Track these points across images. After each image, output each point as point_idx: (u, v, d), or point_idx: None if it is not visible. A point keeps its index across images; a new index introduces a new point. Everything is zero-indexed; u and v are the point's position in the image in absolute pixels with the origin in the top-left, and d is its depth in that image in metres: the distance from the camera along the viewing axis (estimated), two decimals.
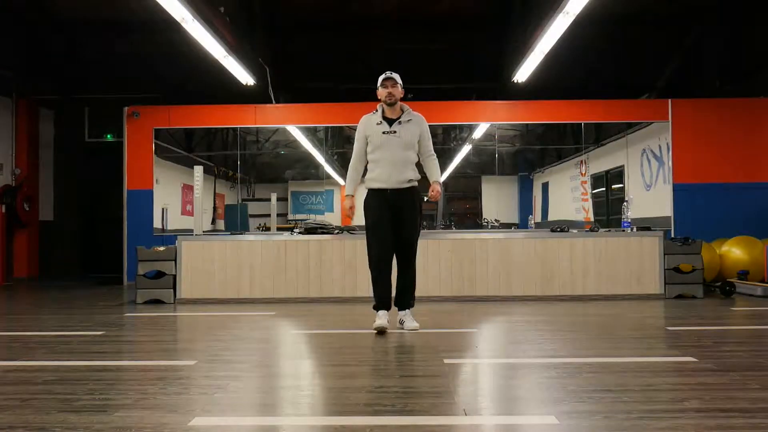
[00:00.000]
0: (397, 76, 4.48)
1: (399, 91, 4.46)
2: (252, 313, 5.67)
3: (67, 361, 3.46)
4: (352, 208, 4.57)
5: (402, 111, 4.52)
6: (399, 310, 4.55)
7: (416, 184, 4.53)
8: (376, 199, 4.46)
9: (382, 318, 4.36)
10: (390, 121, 4.47)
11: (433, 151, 4.65)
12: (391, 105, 4.47)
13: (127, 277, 8.82)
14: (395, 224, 4.43)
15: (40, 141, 10.64)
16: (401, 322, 4.51)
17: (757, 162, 8.92)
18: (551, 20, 6.63)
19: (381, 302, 4.44)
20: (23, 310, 6.31)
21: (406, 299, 4.55)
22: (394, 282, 4.57)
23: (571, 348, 3.84)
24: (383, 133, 4.44)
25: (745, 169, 8.90)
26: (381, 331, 4.29)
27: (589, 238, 6.54)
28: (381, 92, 4.47)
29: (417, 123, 4.52)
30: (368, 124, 4.53)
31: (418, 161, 4.60)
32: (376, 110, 4.55)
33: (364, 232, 4.54)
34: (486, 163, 10.49)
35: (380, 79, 4.47)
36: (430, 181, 4.61)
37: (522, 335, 4.39)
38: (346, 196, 4.61)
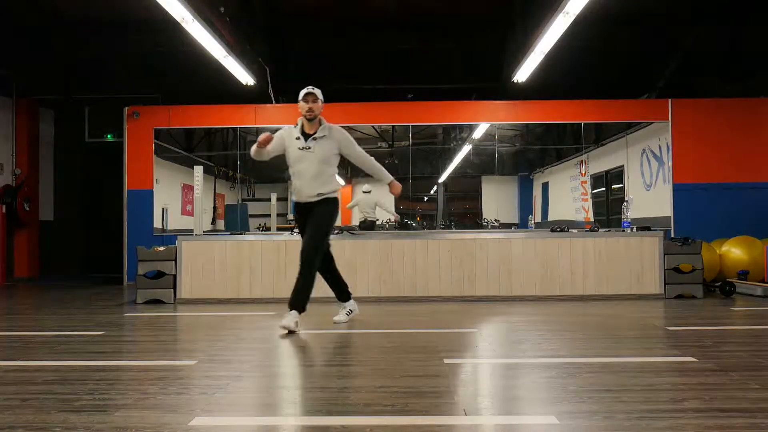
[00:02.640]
0: (318, 92, 4.56)
1: (319, 107, 4.57)
2: (252, 313, 5.67)
3: (67, 361, 3.46)
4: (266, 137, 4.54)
5: (320, 124, 4.63)
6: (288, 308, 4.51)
7: (331, 195, 4.64)
8: (296, 211, 4.76)
9: (288, 318, 4.37)
10: (306, 137, 4.59)
11: (363, 154, 4.77)
12: (310, 120, 4.57)
13: (127, 277, 8.83)
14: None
15: (40, 141, 10.64)
16: (296, 324, 4.43)
17: (757, 162, 8.93)
18: (551, 20, 6.63)
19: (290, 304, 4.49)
20: (23, 310, 6.31)
21: (294, 298, 4.48)
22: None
23: (571, 348, 3.84)
24: (299, 148, 4.58)
25: (745, 169, 8.91)
26: (289, 332, 4.31)
27: (589, 238, 6.54)
28: (302, 106, 4.55)
29: (332, 138, 4.62)
30: (287, 137, 4.66)
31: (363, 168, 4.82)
32: (297, 124, 4.67)
33: (327, 233, 4.69)
34: (486, 163, 10.50)
35: (302, 93, 4.56)
36: (386, 182, 4.83)
37: (522, 335, 4.39)
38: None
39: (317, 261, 4.53)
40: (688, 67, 9.74)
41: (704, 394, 2.62)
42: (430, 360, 3.43)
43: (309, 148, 4.56)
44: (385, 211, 10.53)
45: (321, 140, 4.60)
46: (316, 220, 4.55)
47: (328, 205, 4.63)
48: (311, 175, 4.57)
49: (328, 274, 4.84)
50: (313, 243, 4.50)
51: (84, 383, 2.93)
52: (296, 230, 4.82)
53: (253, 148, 4.59)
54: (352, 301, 5.01)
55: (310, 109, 4.53)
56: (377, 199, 10.42)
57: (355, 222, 10.41)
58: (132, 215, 9.09)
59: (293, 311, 4.43)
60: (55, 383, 2.93)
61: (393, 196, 9.40)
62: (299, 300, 4.47)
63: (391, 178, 4.85)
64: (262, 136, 4.49)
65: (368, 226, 10.01)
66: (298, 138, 4.60)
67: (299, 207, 4.70)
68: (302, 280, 4.49)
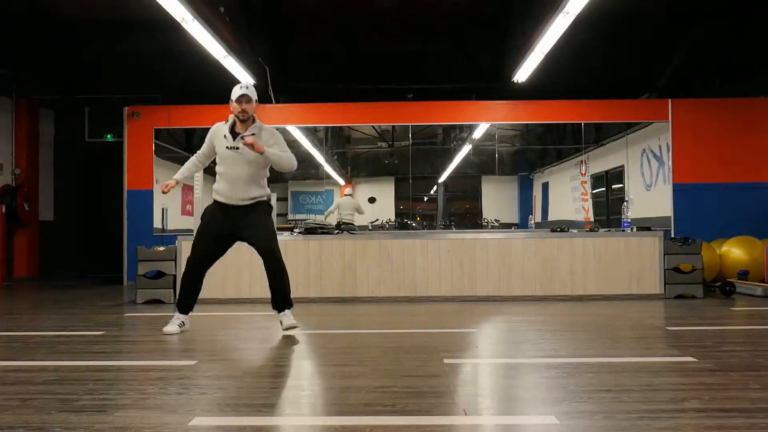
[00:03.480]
0: (253, 92, 4.29)
1: (252, 107, 4.29)
2: (252, 313, 5.67)
3: (67, 361, 3.46)
4: (168, 185, 4.48)
5: (252, 122, 4.35)
6: (277, 312, 4.42)
7: (265, 199, 4.43)
8: (216, 211, 4.38)
9: (173, 323, 4.37)
10: (235, 136, 4.31)
11: (286, 153, 4.40)
12: (243, 121, 4.31)
13: (127, 277, 8.82)
14: (246, 239, 4.34)
15: (40, 141, 10.64)
16: (281, 323, 4.39)
17: (757, 162, 8.92)
18: (551, 20, 6.63)
19: (182, 303, 4.46)
20: (23, 310, 6.31)
21: (277, 300, 4.41)
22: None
23: (571, 348, 3.84)
24: (227, 147, 4.31)
25: (745, 169, 8.90)
26: (172, 334, 4.31)
27: (589, 238, 6.54)
28: (234, 107, 4.27)
29: (262, 137, 4.31)
30: (216, 133, 4.41)
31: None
32: (228, 120, 4.39)
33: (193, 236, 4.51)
34: (486, 163, 10.50)
35: (236, 93, 4.25)
36: (285, 164, 4.39)
37: (522, 335, 4.39)
38: (174, 179, 4.55)
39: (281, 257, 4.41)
40: (688, 67, 9.75)
41: (704, 394, 2.62)
42: (430, 360, 3.43)
43: (237, 149, 4.27)
44: (358, 213, 10.49)
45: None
46: (260, 221, 4.33)
47: (262, 207, 4.40)
48: (242, 177, 4.29)
49: (200, 284, 4.54)
50: (274, 239, 4.36)
51: (84, 383, 2.93)
52: (199, 226, 4.44)
53: (164, 188, 4.49)
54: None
55: (243, 111, 4.25)
56: (357, 203, 10.43)
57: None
58: (132, 215, 9.08)
59: (287, 310, 4.37)
60: (55, 383, 2.93)
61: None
62: (282, 302, 4.40)
63: (271, 151, 4.29)
64: (164, 187, 4.44)
65: (346, 229, 10.03)
66: (225, 136, 4.32)
67: (224, 208, 4.34)
68: (283, 277, 4.38)
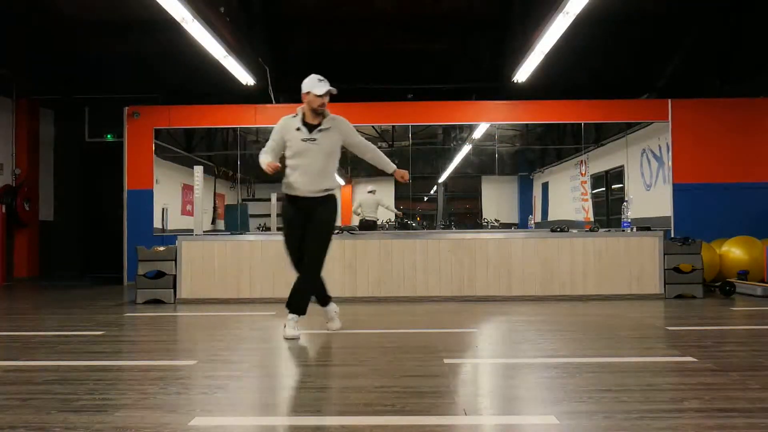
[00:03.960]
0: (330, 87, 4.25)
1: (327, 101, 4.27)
2: (252, 313, 5.67)
3: (67, 361, 3.46)
4: (271, 164, 4.18)
5: (323, 117, 4.30)
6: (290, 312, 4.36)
7: (333, 192, 4.39)
8: (291, 206, 4.35)
9: (291, 325, 4.25)
10: (310, 128, 4.27)
11: (368, 144, 4.49)
12: (318, 114, 4.27)
13: (127, 277, 8.82)
14: (305, 231, 4.30)
15: (40, 141, 10.64)
16: (284, 326, 4.33)
17: (757, 162, 8.93)
18: (551, 20, 6.63)
19: (291, 306, 4.33)
20: (23, 310, 6.31)
21: (294, 302, 4.33)
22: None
23: (571, 348, 3.84)
24: (302, 140, 4.25)
25: (745, 169, 8.91)
26: (292, 339, 4.19)
27: (589, 238, 6.54)
28: (314, 100, 4.21)
29: (337, 129, 4.32)
30: (287, 128, 4.32)
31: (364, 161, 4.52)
32: (296, 113, 4.34)
33: (331, 237, 4.41)
34: (486, 163, 10.50)
35: (317, 87, 4.19)
36: (389, 172, 4.49)
37: (522, 335, 4.39)
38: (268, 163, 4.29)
39: (322, 266, 4.37)
40: (688, 67, 9.75)
41: (704, 394, 2.62)
42: (430, 360, 3.43)
43: (314, 140, 4.24)
44: (388, 210, 10.53)
45: (326, 132, 4.28)
46: (323, 224, 4.30)
47: (331, 204, 4.38)
48: (317, 169, 4.26)
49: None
50: (322, 247, 4.31)
51: (84, 383, 2.93)
52: (283, 226, 4.40)
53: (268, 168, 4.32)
54: (333, 304, 4.68)
55: (324, 104, 4.23)
56: (380, 199, 10.43)
57: (355, 222, 10.41)
58: (132, 215, 9.09)
59: (294, 315, 4.29)
60: (55, 383, 2.94)
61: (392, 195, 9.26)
62: (303, 305, 4.33)
63: (394, 166, 4.51)
64: (270, 167, 4.18)
65: (369, 226, 10.02)
66: (298, 129, 4.27)
67: (296, 201, 4.32)
68: (307, 284, 4.33)
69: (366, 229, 9.20)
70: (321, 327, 4.88)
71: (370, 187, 10.64)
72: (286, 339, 4.21)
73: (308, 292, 4.39)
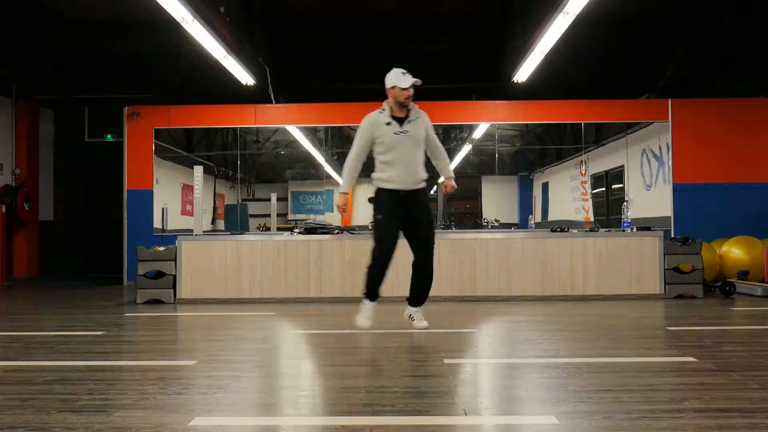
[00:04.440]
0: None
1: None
2: (252, 313, 5.67)
3: (67, 361, 3.46)
4: (345, 205, 4.53)
5: (409, 109, 4.38)
6: (410, 306, 4.51)
7: (426, 181, 4.43)
8: (390, 198, 4.33)
9: (368, 312, 4.38)
10: (399, 120, 4.33)
11: (439, 142, 4.57)
12: (405, 106, 4.34)
13: (127, 277, 8.82)
14: (410, 225, 4.35)
15: (40, 141, 10.64)
16: (411, 318, 4.47)
17: (757, 162, 8.92)
18: (551, 20, 6.63)
19: (374, 293, 4.43)
20: (23, 310, 6.31)
21: (422, 296, 4.49)
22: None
23: (571, 348, 3.84)
24: (395, 133, 4.30)
25: (745, 169, 8.90)
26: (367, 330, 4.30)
27: (589, 238, 6.54)
28: (400, 93, 4.30)
29: (423, 119, 4.41)
30: (376, 124, 4.35)
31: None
32: (383, 109, 4.38)
33: (373, 225, 4.41)
34: (486, 163, 10.49)
35: (403, 80, 4.28)
36: (443, 176, 4.54)
37: (522, 335, 4.39)
38: (340, 194, 4.50)
39: None
40: (688, 67, 9.75)
41: (704, 394, 2.62)
42: (430, 360, 3.43)
43: (406, 131, 4.29)
44: None
45: (414, 122, 4.35)
46: (428, 212, 4.41)
47: (427, 194, 4.44)
48: (412, 160, 4.30)
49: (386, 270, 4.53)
50: (433, 236, 4.38)
51: (84, 383, 2.93)
52: (381, 218, 4.34)
53: (340, 210, 4.54)
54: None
55: (410, 97, 4.32)
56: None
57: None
58: (132, 215, 9.08)
59: (418, 307, 4.43)
60: (55, 383, 2.93)
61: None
62: (424, 296, 4.45)
63: (451, 174, 4.55)
64: (341, 207, 4.49)
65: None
66: (389, 123, 4.30)
67: (396, 195, 4.30)
68: (429, 275, 4.39)
69: None
70: (321, 327, 4.88)
71: None
72: (419, 329, 4.35)
73: (430, 285, 4.45)
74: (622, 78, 10.39)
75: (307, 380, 3.19)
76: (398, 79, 4.31)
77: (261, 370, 3.36)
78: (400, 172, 4.30)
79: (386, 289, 6.45)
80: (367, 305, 4.42)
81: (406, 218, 4.33)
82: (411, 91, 4.31)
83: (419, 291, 4.48)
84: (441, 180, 4.63)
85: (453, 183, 4.50)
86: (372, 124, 4.38)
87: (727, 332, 4.53)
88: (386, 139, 4.31)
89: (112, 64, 10.01)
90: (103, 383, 2.96)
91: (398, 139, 4.30)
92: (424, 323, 4.42)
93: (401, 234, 4.38)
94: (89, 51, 9.83)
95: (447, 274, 6.47)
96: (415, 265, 4.43)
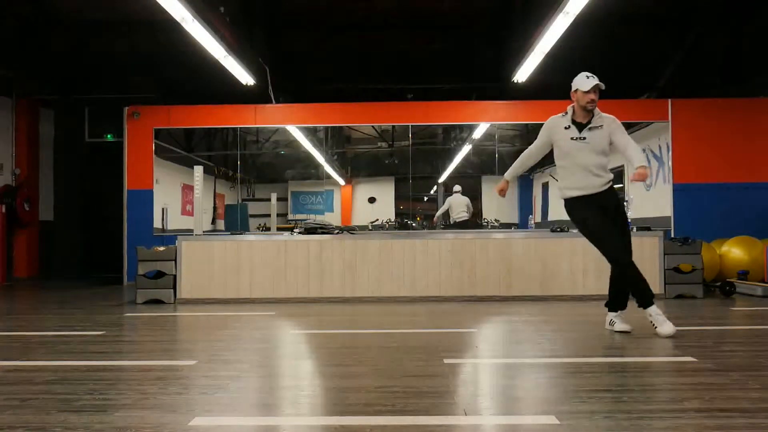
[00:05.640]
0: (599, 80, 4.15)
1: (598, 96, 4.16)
2: (252, 313, 5.67)
3: (67, 361, 3.46)
4: (503, 190, 4.49)
5: (593, 115, 4.20)
6: (611, 311, 4.40)
7: (612, 183, 4.29)
8: (582, 203, 4.19)
9: (662, 316, 4.10)
10: (580, 126, 4.17)
11: (629, 142, 4.25)
12: (588, 111, 4.18)
13: (127, 277, 8.82)
14: (609, 215, 4.22)
15: (40, 141, 10.64)
16: (612, 323, 4.35)
17: (757, 162, 8.92)
18: (551, 20, 6.63)
19: (650, 292, 4.17)
20: (23, 310, 6.31)
21: (622, 301, 4.39)
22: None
23: (571, 348, 3.84)
24: (572, 139, 4.16)
25: (745, 169, 8.90)
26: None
27: None
28: (582, 97, 4.14)
29: (607, 127, 4.20)
30: (555, 128, 4.23)
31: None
32: (566, 112, 4.24)
33: (585, 231, 4.26)
34: (486, 163, 10.50)
35: (585, 83, 4.12)
36: (636, 165, 4.14)
37: (522, 335, 4.39)
38: (505, 180, 4.47)
39: None
40: (688, 67, 9.74)
41: (704, 394, 2.62)
42: (430, 360, 3.43)
43: (584, 138, 4.13)
44: (466, 212, 10.42)
45: (597, 130, 4.16)
46: (623, 214, 4.32)
47: (616, 192, 4.31)
48: (592, 165, 4.14)
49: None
50: (629, 239, 4.27)
51: (84, 383, 2.93)
52: (590, 221, 4.19)
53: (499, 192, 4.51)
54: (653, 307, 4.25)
55: (593, 101, 4.13)
56: (468, 200, 10.37)
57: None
58: (132, 215, 9.08)
59: (650, 307, 4.15)
60: (55, 383, 2.93)
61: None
62: (648, 295, 4.18)
63: (644, 162, 4.18)
64: (500, 190, 4.49)
65: (461, 225, 10.02)
66: (567, 128, 4.16)
67: (585, 200, 4.18)
68: (637, 275, 4.21)
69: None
70: (321, 327, 4.88)
71: (458, 187, 10.44)
72: (620, 332, 4.20)
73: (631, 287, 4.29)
74: (622, 78, 10.38)
75: (307, 380, 3.19)
76: (581, 82, 4.16)
77: (261, 370, 3.36)
78: (580, 178, 4.19)
79: (386, 289, 6.51)
80: (654, 310, 4.12)
81: (607, 209, 4.17)
82: (594, 96, 4.13)
83: (633, 290, 4.29)
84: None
85: (644, 171, 4.06)
86: (551, 126, 4.27)
87: (727, 332, 4.53)
88: (563, 144, 4.20)
89: (112, 64, 10.01)
90: (103, 383, 2.96)
91: (575, 146, 4.16)
92: (626, 326, 4.26)
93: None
94: (89, 51, 9.83)
95: (447, 274, 6.47)
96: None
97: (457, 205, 10.33)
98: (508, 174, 4.48)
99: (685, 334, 4.27)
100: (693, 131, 8.95)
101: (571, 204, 4.29)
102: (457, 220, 10.22)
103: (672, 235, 8.38)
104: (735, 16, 9.04)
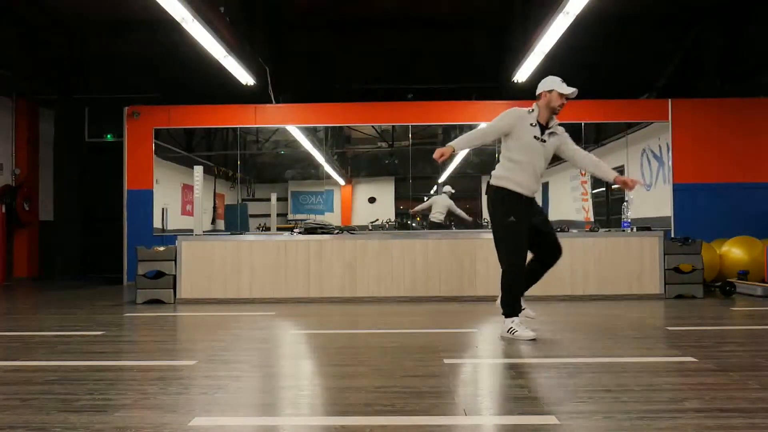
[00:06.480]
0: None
1: None
2: (252, 313, 5.67)
3: (67, 361, 3.46)
4: (443, 155, 4.14)
5: (551, 120, 4.28)
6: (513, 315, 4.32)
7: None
8: (517, 202, 4.20)
9: (525, 328, 4.16)
10: (542, 128, 4.24)
11: (579, 150, 4.45)
12: (554, 114, 4.25)
13: (127, 277, 8.83)
14: (537, 224, 4.27)
15: (40, 141, 10.64)
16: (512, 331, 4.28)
17: (757, 162, 8.93)
18: (551, 20, 6.63)
19: (519, 305, 4.28)
20: (23, 310, 6.31)
21: (530, 284, 4.51)
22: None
23: (571, 348, 3.84)
24: (534, 137, 4.20)
25: (745, 169, 8.91)
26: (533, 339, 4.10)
27: (589, 238, 6.54)
28: (557, 98, 4.20)
29: (561, 135, 4.32)
30: (523, 121, 4.22)
31: None
32: (532, 109, 4.26)
33: (504, 229, 4.20)
34: (486, 163, 10.49)
35: (564, 88, 4.18)
36: (611, 180, 4.30)
37: None
38: (448, 146, 4.18)
39: None
40: (688, 67, 9.75)
41: (704, 394, 2.62)
42: (430, 360, 3.43)
43: (544, 141, 4.21)
44: (459, 215, 10.35)
45: (553, 136, 4.28)
46: (545, 215, 4.47)
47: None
48: (539, 170, 4.25)
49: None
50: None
51: (84, 383, 2.93)
52: (513, 222, 4.17)
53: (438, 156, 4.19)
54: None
55: (562, 105, 4.22)
56: (450, 202, 10.31)
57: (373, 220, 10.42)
58: (132, 215, 9.09)
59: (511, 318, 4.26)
60: (55, 383, 2.93)
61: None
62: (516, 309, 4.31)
63: (615, 174, 4.31)
64: (439, 155, 4.15)
65: (435, 226, 9.99)
66: (533, 125, 4.20)
67: (520, 199, 4.20)
68: (515, 284, 4.31)
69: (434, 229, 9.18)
70: (321, 327, 4.88)
71: (448, 188, 10.35)
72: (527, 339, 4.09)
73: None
74: (622, 78, 10.39)
75: (307, 380, 3.19)
76: (558, 84, 4.21)
77: (261, 370, 3.36)
78: (527, 177, 4.21)
79: (386, 289, 6.51)
80: (516, 321, 4.18)
81: (531, 222, 4.25)
82: (565, 101, 4.21)
83: (534, 281, 4.48)
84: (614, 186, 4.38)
85: (626, 178, 4.22)
86: (519, 116, 4.24)
87: (727, 332, 4.53)
88: (524, 137, 4.20)
89: (111, 64, 10.01)
90: (103, 383, 2.96)
91: (535, 145, 4.20)
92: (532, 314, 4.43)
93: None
94: (89, 51, 9.84)
95: (447, 274, 6.47)
96: (545, 262, 4.40)
97: (437, 205, 10.28)
98: (457, 144, 4.23)
99: (685, 334, 4.27)
100: (693, 131, 8.95)
101: (505, 194, 4.21)
102: (433, 221, 10.19)
103: (672, 235, 8.39)
104: (734, 16, 9.04)
